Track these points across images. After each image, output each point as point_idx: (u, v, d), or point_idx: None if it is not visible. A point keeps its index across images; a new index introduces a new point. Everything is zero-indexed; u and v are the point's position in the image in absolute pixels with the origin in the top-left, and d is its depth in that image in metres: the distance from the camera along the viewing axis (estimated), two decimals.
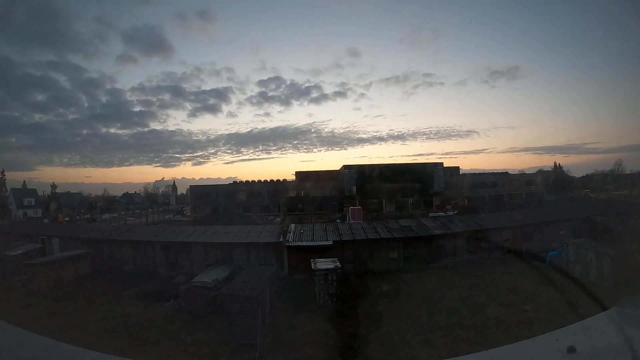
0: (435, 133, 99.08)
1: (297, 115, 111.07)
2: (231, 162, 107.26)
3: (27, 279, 19.79)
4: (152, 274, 21.65)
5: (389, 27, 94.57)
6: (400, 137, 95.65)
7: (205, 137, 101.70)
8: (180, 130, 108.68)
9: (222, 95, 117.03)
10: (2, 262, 22.56)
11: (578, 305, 12.41)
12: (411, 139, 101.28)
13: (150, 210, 58.44)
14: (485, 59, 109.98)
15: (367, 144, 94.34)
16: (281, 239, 21.65)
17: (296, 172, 55.84)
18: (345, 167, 50.52)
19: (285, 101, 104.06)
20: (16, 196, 59.62)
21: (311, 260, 18.13)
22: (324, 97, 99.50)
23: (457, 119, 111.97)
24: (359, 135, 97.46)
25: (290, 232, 22.74)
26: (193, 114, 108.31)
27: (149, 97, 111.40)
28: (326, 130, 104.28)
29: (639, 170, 65.99)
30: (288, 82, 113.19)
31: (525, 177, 58.69)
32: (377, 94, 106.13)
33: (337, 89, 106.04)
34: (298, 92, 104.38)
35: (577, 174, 73.03)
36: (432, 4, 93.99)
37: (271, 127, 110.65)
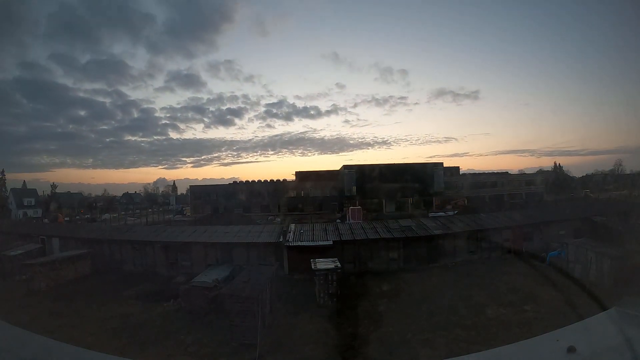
0: (416, 140, 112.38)
1: (295, 126, 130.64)
2: (230, 164, 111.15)
3: (27, 279, 19.79)
4: (152, 274, 21.64)
5: (366, 70, 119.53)
6: (384, 142, 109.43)
7: (210, 143, 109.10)
8: (194, 138, 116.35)
9: (236, 112, 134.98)
10: (2, 262, 22.56)
11: (578, 305, 12.41)
12: (395, 144, 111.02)
13: (150, 210, 58.43)
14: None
15: (355, 149, 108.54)
16: (281, 239, 21.64)
17: (296, 172, 55.84)
18: (345, 167, 50.45)
19: (286, 117, 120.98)
20: (16, 196, 59.60)
21: (311, 260, 18.12)
22: (318, 114, 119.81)
23: (439, 126, 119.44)
24: (348, 142, 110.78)
25: (290, 232, 22.73)
26: (208, 126, 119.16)
27: (175, 114, 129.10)
28: (318, 137, 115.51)
29: (639, 170, 66.00)
30: (290, 103, 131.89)
31: (525, 177, 58.66)
32: (362, 111, 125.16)
33: (329, 108, 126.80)
34: (297, 111, 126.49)
35: (577, 174, 73.09)
36: (400, 52, 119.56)
37: (270, 135, 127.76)
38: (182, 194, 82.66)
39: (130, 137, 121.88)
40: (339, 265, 17.46)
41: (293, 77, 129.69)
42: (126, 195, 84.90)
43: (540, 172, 65.37)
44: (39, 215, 55.09)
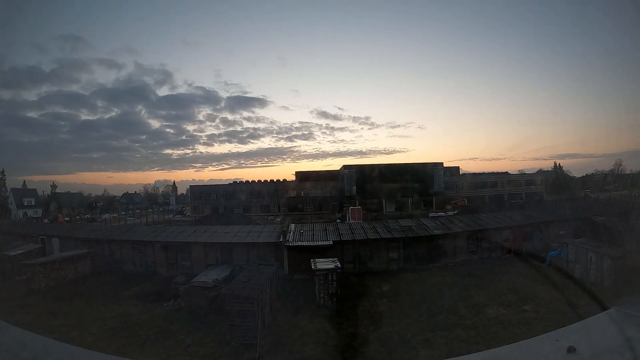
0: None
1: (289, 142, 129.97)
2: (231, 169, 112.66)
3: (27, 279, 19.77)
4: (152, 274, 21.63)
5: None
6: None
7: (217, 155, 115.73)
8: (207, 151, 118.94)
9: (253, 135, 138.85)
10: (2, 262, 22.56)
11: (578, 305, 12.41)
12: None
13: (150, 210, 58.46)
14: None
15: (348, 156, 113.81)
16: (281, 239, 21.64)
17: (296, 172, 55.98)
18: (345, 167, 50.45)
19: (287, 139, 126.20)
20: (16, 196, 59.64)
21: (311, 260, 18.10)
22: (311, 135, 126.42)
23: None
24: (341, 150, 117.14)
25: (290, 232, 22.72)
26: (224, 142, 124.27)
27: (201, 134, 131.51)
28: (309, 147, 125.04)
29: (639, 170, 65.95)
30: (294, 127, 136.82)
31: (525, 177, 58.69)
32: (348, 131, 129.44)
33: (323, 130, 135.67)
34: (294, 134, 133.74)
35: (577, 174, 73.07)
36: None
37: (264, 147, 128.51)
38: (182, 194, 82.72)
39: (155, 151, 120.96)
40: (339, 265, 17.45)
41: (296, 111, 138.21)
42: (126, 195, 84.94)
43: (540, 172, 65.37)
44: (39, 215, 55.10)
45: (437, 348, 11.61)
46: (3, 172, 60.72)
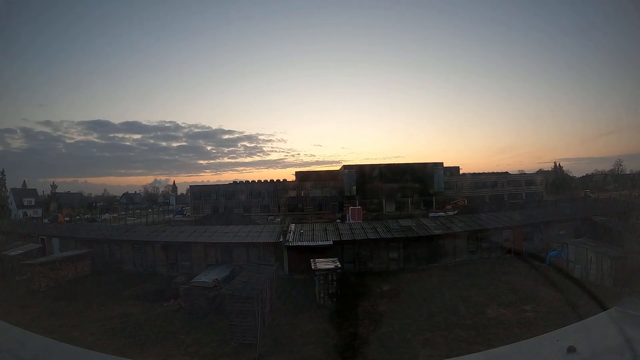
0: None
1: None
2: (230, 171, 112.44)
3: (27, 279, 19.80)
4: (152, 274, 21.65)
5: None
6: None
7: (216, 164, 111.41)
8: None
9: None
10: (2, 262, 22.57)
11: (578, 305, 12.42)
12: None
13: (150, 210, 58.47)
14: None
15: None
16: (281, 239, 21.64)
17: (296, 172, 55.94)
18: (345, 167, 50.47)
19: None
20: (16, 196, 59.62)
21: (311, 260, 18.11)
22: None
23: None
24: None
25: (290, 232, 22.73)
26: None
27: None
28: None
29: (639, 170, 65.92)
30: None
31: (525, 177, 58.68)
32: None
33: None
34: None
35: (577, 174, 73.01)
36: None
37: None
38: (182, 194, 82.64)
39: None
40: (339, 265, 17.45)
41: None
42: (126, 195, 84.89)
43: (540, 172, 65.35)
44: (39, 215, 55.10)
45: (437, 348, 11.62)
46: (3, 172, 60.75)
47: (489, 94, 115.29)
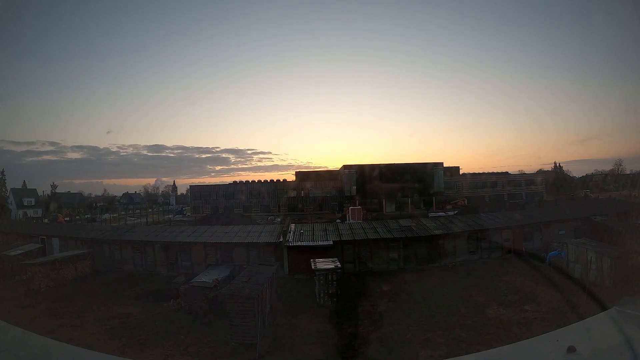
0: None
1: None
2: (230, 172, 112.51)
3: (27, 279, 19.79)
4: (152, 274, 21.64)
5: None
6: None
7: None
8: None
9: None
10: (2, 262, 22.55)
11: (578, 305, 12.43)
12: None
13: (150, 210, 58.46)
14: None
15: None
16: (281, 239, 21.64)
17: (296, 172, 55.96)
18: (345, 167, 50.43)
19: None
20: (16, 196, 59.60)
21: (311, 260, 18.11)
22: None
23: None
24: None
25: (290, 232, 22.73)
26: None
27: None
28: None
29: (639, 170, 65.87)
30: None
31: (525, 177, 58.65)
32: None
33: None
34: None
35: (577, 174, 72.91)
36: None
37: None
38: (182, 194, 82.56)
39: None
40: (339, 265, 17.46)
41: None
42: (126, 195, 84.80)
43: (540, 172, 65.31)
44: (39, 215, 55.09)
45: (437, 348, 11.62)
46: (3, 172, 60.72)
47: (489, 94, 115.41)
